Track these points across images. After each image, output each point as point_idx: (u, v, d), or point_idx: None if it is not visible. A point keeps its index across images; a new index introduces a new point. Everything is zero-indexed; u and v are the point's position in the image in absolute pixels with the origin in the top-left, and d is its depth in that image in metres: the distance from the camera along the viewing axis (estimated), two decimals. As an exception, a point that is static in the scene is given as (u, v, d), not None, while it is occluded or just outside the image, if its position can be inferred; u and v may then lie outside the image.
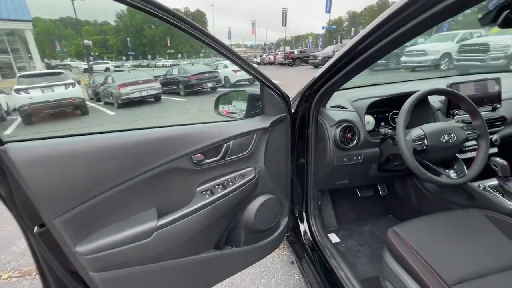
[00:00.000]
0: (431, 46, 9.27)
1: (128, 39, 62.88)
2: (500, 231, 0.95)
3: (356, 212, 1.66)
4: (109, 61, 37.84)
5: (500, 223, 0.97)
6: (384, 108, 1.33)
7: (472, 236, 0.93)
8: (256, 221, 1.10)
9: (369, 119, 1.29)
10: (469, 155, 1.23)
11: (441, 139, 0.97)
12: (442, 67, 9.24)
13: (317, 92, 1.13)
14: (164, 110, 8.47)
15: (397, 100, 1.28)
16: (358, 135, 1.15)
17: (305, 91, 1.16)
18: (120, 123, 6.75)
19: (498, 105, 1.28)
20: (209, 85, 10.08)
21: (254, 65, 0.98)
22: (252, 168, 1.06)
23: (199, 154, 0.92)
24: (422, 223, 1.00)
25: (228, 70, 11.28)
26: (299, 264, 1.38)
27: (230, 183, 0.99)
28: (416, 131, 1.00)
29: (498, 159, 1.07)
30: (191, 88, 9.75)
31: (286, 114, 1.10)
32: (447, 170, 1.00)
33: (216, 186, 0.98)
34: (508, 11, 0.80)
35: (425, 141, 0.97)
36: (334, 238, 1.51)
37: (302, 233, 1.37)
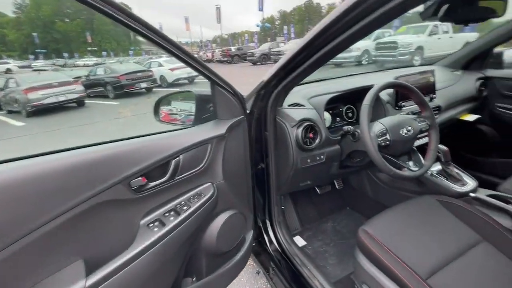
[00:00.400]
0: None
1: (34, 34, 52.80)
2: (451, 213, 1.00)
3: (317, 210, 1.64)
4: (11, 61, 31.25)
5: (450, 206, 1.03)
6: (338, 104, 1.31)
7: (432, 223, 0.96)
8: (219, 243, 0.94)
9: (326, 116, 1.25)
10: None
11: (401, 132, 0.97)
12: (363, 62, 10.40)
13: (274, 90, 1.02)
14: (90, 116, 7.38)
15: (351, 95, 1.26)
16: (320, 134, 1.08)
17: (260, 89, 1.04)
18: (30, 135, 5.57)
19: (434, 95, 1.40)
20: (143, 85, 9.20)
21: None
22: (209, 183, 0.89)
23: (140, 178, 0.70)
24: (388, 217, 0.99)
25: (164, 69, 10.50)
26: (267, 275, 1.27)
27: (185, 207, 0.80)
28: (378, 126, 0.98)
29: (440, 146, 1.14)
30: (121, 90, 8.72)
31: (242, 116, 0.96)
32: (407, 163, 1.01)
33: (167, 214, 0.78)
34: (447, 5, 0.82)
35: (387, 136, 0.96)
36: (300, 241, 1.45)
37: (268, 243, 1.26)
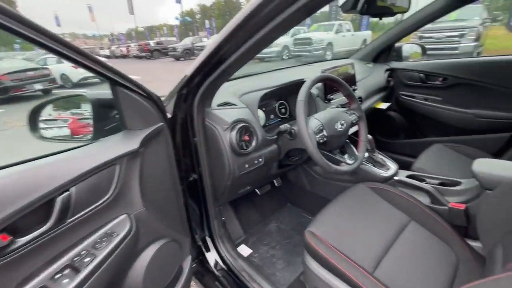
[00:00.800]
0: (273, 39, 10.82)
1: None
2: (382, 198, 1.06)
3: (258, 212, 1.56)
4: None
5: (380, 191, 1.08)
6: (270, 100, 1.23)
7: (369, 211, 0.99)
8: (147, 285, 0.74)
9: (260, 114, 1.15)
10: None
11: (336, 127, 0.95)
12: (284, 57, 11.02)
13: (199, 88, 0.86)
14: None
15: (282, 91, 1.20)
16: (256, 136, 0.98)
17: (181, 88, 0.87)
18: None
19: (355, 87, 1.47)
20: (38, 86, 7.48)
21: (102, 58, 0.60)
22: (124, 216, 0.68)
23: None
24: (330, 214, 0.98)
25: (65, 66, 8.80)
26: None
27: (87, 258, 0.58)
28: (314, 122, 0.93)
29: None
30: (6, 93, 6.88)
31: (162, 123, 0.77)
32: (343, 156, 1.00)
33: (59, 275, 0.54)
34: (365, -1, 0.82)
35: (324, 132, 0.92)
36: (245, 250, 1.34)
37: (211, 263, 1.11)
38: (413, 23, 1.60)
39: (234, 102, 1.01)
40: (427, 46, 1.99)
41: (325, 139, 0.92)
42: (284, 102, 1.27)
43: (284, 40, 11.18)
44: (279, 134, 1.06)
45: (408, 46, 1.95)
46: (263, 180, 1.31)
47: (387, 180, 1.20)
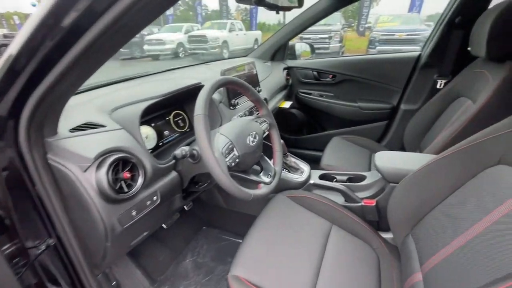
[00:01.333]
0: (166, 35, 10.10)
1: None
2: (303, 207, 0.99)
3: (168, 248, 1.26)
4: None
5: (300, 199, 1.01)
6: (161, 111, 0.95)
7: (293, 227, 0.90)
8: None
9: (148, 132, 0.85)
10: None
11: (247, 142, 0.77)
12: (180, 55, 10.42)
13: (23, 105, 0.50)
14: None
15: (176, 97, 0.94)
16: (142, 168, 0.68)
17: None
18: None
19: (259, 87, 1.36)
20: None
21: None
22: None
23: None
24: (253, 245, 0.83)
25: None
26: None
27: None
28: (221, 140, 0.72)
29: None
30: None
31: None
32: (259, 175, 0.85)
33: None
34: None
35: (235, 151, 0.73)
36: None
37: None
38: (301, 23, 1.65)
39: (101, 123, 0.68)
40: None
41: (237, 160, 0.73)
42: (182, 112, 1.01)
43: (178, 36, 10.58)
44: (176, 159, 0.80)
45: (299, 45, 2.03)
46: (168, 216, 1.02)
47: (304, 184, 1.15)
